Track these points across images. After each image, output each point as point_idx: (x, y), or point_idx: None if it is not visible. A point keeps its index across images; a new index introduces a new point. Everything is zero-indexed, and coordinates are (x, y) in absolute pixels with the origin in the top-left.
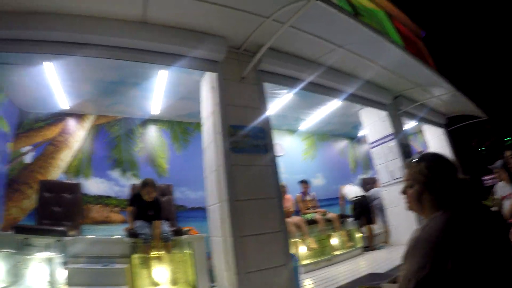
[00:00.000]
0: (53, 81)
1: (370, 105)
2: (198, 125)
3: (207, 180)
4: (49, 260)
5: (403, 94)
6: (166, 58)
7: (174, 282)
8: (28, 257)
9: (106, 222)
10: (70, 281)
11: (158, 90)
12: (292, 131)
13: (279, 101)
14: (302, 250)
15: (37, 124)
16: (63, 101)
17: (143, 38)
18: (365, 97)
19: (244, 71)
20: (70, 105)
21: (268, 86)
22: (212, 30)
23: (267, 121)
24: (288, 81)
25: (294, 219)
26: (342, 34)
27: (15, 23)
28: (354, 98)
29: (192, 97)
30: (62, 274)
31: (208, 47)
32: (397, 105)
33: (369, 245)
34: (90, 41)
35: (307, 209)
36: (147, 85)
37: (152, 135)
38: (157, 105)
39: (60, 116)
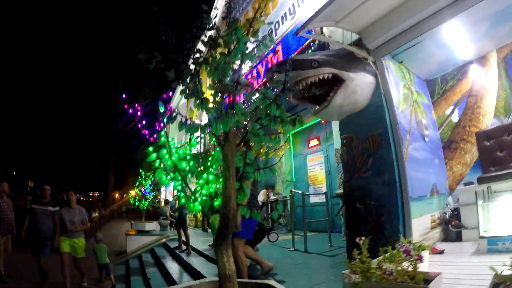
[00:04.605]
0: (449, 40)
1: None
2: None
3: None
4: None
5: None
6: None
7: None
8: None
9: None
10: None
11: None
12: None
13: None
14: None
15: (448, 84)
16: (462, 53)
17: None
18: None
19: None
20: (469, 54)
21: None
22: None
23: None
24: None
25: None
26: None
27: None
28: None
29: None
30: None
31: None
32: None
33: None
34: None
35: None
36: None
37: None
38: None
39: (464, 67)
